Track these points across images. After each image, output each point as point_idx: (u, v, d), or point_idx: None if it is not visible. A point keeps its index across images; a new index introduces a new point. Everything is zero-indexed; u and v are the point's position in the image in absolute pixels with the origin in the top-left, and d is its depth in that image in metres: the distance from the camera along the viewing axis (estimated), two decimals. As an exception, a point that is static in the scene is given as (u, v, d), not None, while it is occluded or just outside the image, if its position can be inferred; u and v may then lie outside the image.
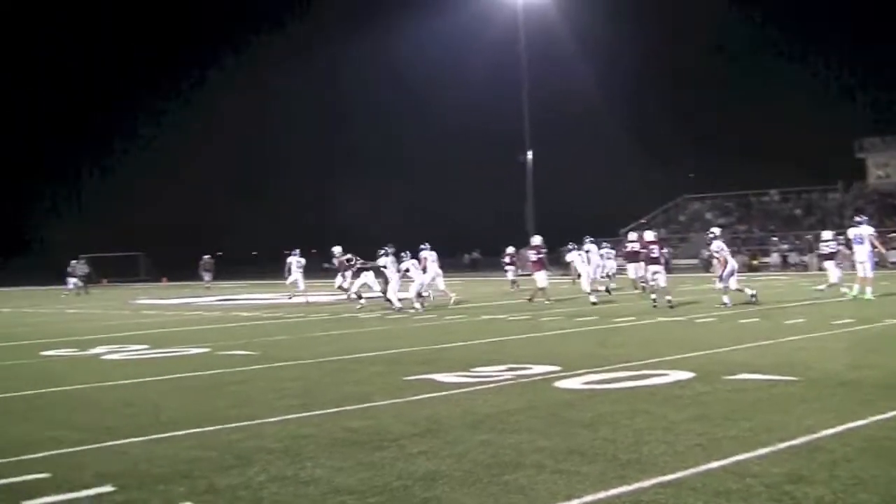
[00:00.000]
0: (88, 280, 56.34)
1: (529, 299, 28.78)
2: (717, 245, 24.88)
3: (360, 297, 30.20)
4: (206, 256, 56.82)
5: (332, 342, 19.06)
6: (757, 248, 59.83)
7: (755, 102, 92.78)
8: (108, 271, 73.61)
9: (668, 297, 24.49)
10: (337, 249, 32.86)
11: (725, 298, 23.91)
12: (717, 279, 24.73)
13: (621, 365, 13.13)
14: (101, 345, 19.94)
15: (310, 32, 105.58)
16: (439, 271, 30.97)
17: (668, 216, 73.35)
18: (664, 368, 12.49)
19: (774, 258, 56.94)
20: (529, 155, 68.41)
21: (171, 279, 72.30)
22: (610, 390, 10.96)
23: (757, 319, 20.23)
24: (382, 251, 29.07)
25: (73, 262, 56.80)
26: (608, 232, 66.09)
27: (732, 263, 24.58)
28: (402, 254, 29.16)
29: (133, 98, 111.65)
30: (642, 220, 69.23)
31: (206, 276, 55.25)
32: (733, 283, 24.29)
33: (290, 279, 36.46)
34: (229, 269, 70.50)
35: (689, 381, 11.42)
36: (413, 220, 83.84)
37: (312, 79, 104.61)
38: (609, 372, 12.45)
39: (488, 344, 17.39)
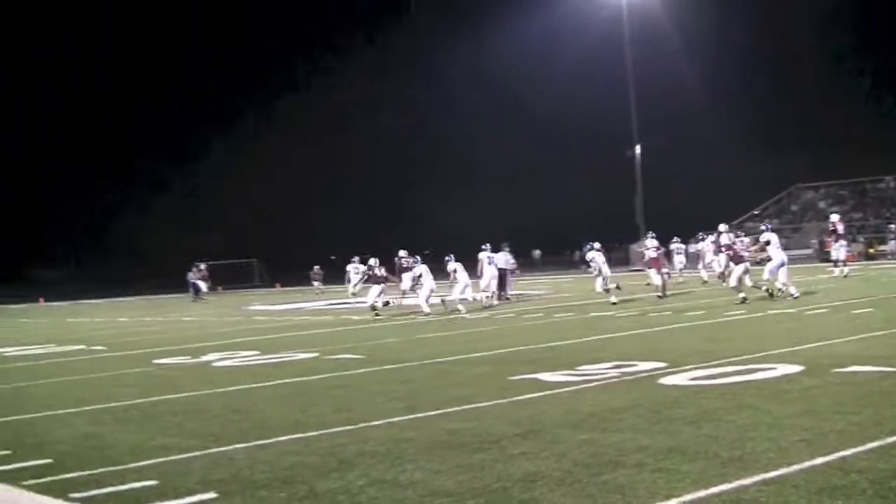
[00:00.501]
0: (198, 289, 57.25)
1: (660, 296, 28.43)
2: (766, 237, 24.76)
3: (387, 304, 30.92)
4: (316, 267, 57.50)
5: (439, 344, 19.11)
6: (873, 236, 58.54)
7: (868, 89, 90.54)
8: (223, 278, 74.69)
9: (767, 288, 24.31)
10: (402, 252, 33.05)
11: (793, 290, 23.87)
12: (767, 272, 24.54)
13: (729, 360, 12.93)
14: (213, 352, 20.26)
15: (410, 33, 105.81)
16: (468, 281, 30.38)
17: (781, 206, 71.98)
18: (772, 362, 12.26)
19: (892, 245, 55.67)
20: (638, 149, 67.98)
21: (284, 284, 73.30)
22: (716, 386, 10.81)
23: (871, 310, 19.80)
24: (413, 259, 30.54)
25: (193, 269, 57.85)
26: (720, 223, 65.31)
27: (781, 257, 24.42)
28: (446, 257, 29.57)
29: (244, 99, 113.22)
30: (755, 212, 68.16)
31: (317, 283, 55.97)
32: (782, 276, 24.13)
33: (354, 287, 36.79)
34: (341, 273, 71.09)
35: (797, 374, 11.21)
36: (519, 220, 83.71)
37: (411, 81, 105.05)
38: (716, 367, 12.28)
39: (595, 341, 17.30)
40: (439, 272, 30.44)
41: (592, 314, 24.20)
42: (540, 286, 43.55)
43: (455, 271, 29.45)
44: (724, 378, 11.28)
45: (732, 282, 24.61)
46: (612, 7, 67.10)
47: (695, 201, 73.00)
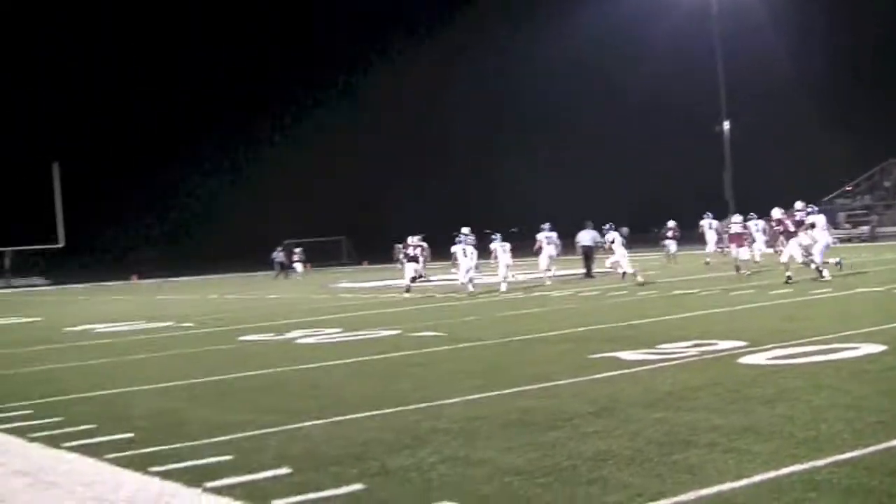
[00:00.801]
0: (283, 267, 57.80)
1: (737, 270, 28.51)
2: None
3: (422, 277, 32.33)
4: (398, 245, 57.86)
5: (521, 321, 19.12)
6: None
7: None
8: (311, 256, 75.39)
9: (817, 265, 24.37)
10: (465, 229, 32.84)
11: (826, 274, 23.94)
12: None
13: (811, 339, 12.77)
14: (297, 329, 20.50)
15: (496, 8, 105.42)
16: (509, 261, 30.71)
17: (873, 182, 70.56)
18: (856, 342, 12.07)
19: None
20: (726, 125, 67.19)
21: (371, 262, 73.79)
22: (795, 365, 10.69)
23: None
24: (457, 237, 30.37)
25: (280, 249, 58.46)
26: (810, 200, 64.34)
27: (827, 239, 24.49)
28: (492, 235, 30.86)
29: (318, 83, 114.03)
30: (847, 188, 67.06)
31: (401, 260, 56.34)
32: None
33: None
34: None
35: (880, 354, 11.04)
36: (605, 197, 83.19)
37: (498, 55, 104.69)
38: (797, 346, 12.13)
39: (677, 320, 17.19)
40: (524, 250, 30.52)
41: (676, 292, 24.04)
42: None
43: (495, 251, 29.78)
44: (804, 357, 11.15)
45: (784, 258, 24.46)
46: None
47: (784, 177, 72.01)
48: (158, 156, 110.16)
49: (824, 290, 20.96)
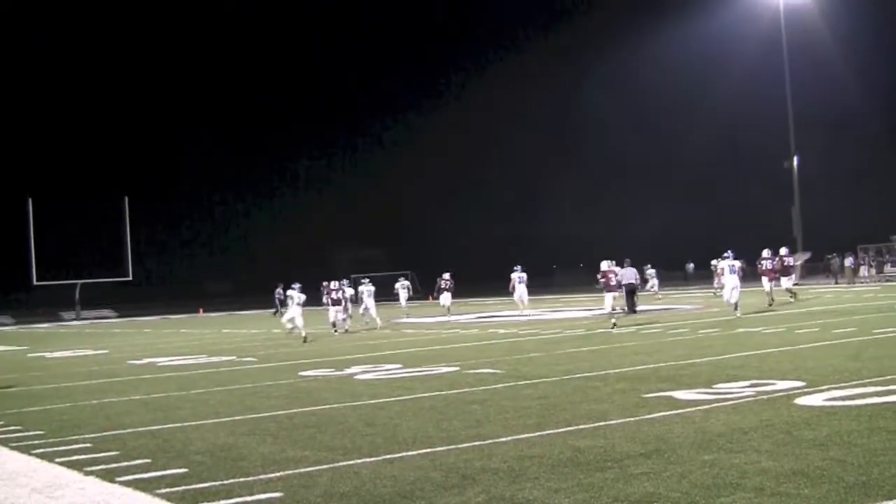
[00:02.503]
0: (281, 304, 57.22)
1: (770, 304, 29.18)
2: None
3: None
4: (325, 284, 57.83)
5: (581, 359, 19.02)
6: None
7: None
8: (379, 291, 75.79)
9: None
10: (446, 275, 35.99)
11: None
12: None
13: (871, 379, 12.63)
14: (357, 364, 20.57)
15: (568, 38, 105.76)
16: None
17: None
18: (918, 383, 11.92)
19: None
20: (795, 160, 66.75)
21: (436, 297, 73.84)
22: (852, 407, 10.57)
23: None
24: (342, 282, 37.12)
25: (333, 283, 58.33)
26: (880, 237, 63.57)
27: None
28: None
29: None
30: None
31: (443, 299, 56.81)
32: None
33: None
34: (480, 285, 71.60)
35: (941, 396, 10.88)
36: (671, 230, 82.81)
37: (566, 86, 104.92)
38: (856, 387, 12.00)
39: (736, 358, 17.01)
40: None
41: (739, 329, 23.81)
42: (690, 300, 42.93)
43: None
44: (861, 399, 11.02)
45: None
46: (770, 16, 66.25)
47: (851, 212, 71.43)
48: (226, 191, 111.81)
49: (890, 329, 20.66)
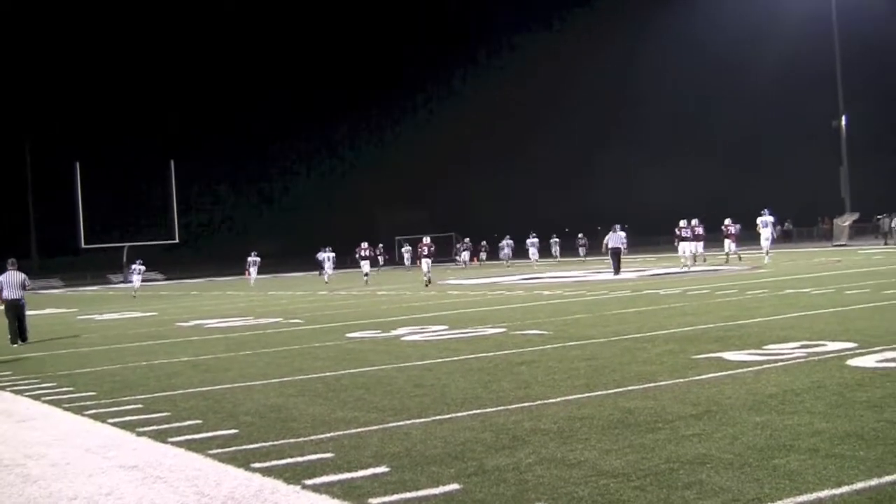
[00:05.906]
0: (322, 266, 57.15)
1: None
2: None
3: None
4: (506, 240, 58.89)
5: (629, 320, 18.94)
6: None
7: None
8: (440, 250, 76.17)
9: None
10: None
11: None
12: None
13: (924, 340, 12.47)
14: (404, 326, 20.60)
15: (614, 7, 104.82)
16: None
17: None
18: (972, 344, 11.77)
19: None
20: (844, 120, 65.98)
21: (482, 259, 74.04)
22: (906, 368, 10.45)
23: None
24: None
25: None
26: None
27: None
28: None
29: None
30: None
31: (505, 256, 58.10)
32: None
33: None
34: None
35: None
36: (721, 192, 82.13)
37: (613, 56, 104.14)
38: (909, 348, 11.86)
39: (786, 319, 16.87)
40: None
41: (787, 291, 23.61)
42: (735, 262, 42.60)
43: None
44: (915, 360, 10.89)
45: None
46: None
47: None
48: (271, 155, 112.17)
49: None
